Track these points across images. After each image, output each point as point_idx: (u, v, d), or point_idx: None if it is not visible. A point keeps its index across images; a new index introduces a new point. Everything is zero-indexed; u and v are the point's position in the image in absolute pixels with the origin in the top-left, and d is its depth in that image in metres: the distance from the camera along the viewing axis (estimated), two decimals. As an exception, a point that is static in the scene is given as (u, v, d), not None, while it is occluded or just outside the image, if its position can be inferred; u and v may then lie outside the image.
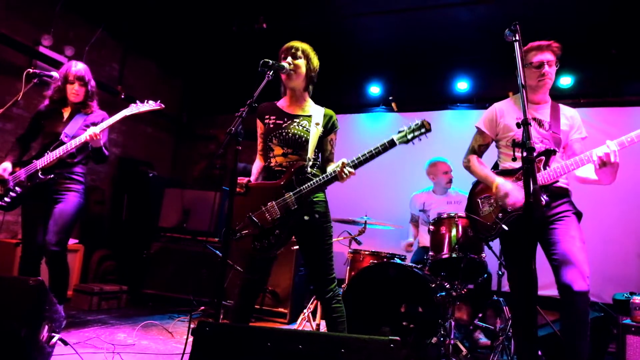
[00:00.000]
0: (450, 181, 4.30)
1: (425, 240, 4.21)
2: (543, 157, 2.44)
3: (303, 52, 2.49)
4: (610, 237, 4.51)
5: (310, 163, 2.46)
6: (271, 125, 2.51)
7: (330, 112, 2.59)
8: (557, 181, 2.43)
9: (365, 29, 5.20)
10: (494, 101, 2.86)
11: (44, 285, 2.30)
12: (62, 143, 3.04)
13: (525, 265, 2.33)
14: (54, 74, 3.15)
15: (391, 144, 2.32)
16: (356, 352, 1.52)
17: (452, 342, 3.12)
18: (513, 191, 2.44)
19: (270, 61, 2.31)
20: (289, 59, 2.45)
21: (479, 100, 5.46)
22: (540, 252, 2.52)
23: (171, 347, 3.21)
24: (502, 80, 5.24)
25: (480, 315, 3.74)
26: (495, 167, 2.78)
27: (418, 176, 4.72)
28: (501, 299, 3.63)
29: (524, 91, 1.85)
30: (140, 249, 5.11)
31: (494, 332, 3.56)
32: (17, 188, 3.01)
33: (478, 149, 2.79)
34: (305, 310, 3.82)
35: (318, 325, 3.74)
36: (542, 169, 2.42)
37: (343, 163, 2.28)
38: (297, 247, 4.04)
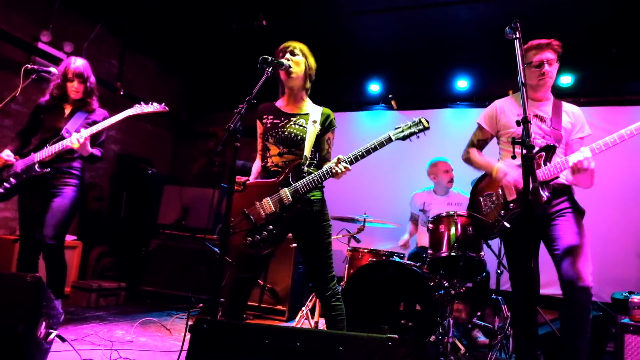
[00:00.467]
0: (451, 180, 4.29)
1: (423, 240, 4.21)
2: (543, 153, 2.44)
3: (300, 50, 2.49)
4: (609, 237, 4.51)
5: (307, 162, 2.45)
6: (268, 125, 2.51)
7: (328, 111, 2.58)
8: (558, 177, 2.43)
9: (365, 27, 5.19)
10: (493, 100, 2.86)
11: (42, 281, 2.29)
12: (62, 138, 3.03)
13: (525, 263, 2.34)
14: (53, 69, 3.15)
15: (388, 140, 2.33)
16: (354, 350, 1.52)
17: (450, 340, 3.12)
18: (512, 171, 2.44)
19: (270, 58, 2.30)
20: (287, 56, 2.45)
21: (478, 98, 5.45)
22: (541, 252, 2.53)
23: (169, 344, 3.21)
24: (502, 78, 5.23)
25: (478, 313, 3.74)
26: None
27: (417, 174, 4.72)
28: (500, 297, 3.63)
29: (524, 89, 1.85)
30: (139, 246, 5.11)
31: (493, 330, 3.56)
32: (11, 179, 3.00)
33: (477, 144, 2.80)
34: (303, 308, 3.82)
35: (316, 322, 3.73)
36: (542, 164, 2.42)
37: (339, 159, 2.29)
38: (295, 244, 4.03)
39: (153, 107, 3.23)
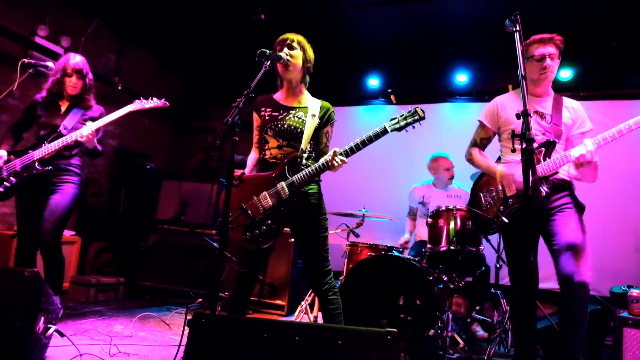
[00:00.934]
0: (451, 177, 4.28)
1: (423, 233, 4.21)
2: (543, 149, 2.43)
3: (298, 43, 2.48)
4: (608, 231, 4.51)
5: (305, 155, 2.44)
6: (267, 117, 2.50)
7: (327, 104, 2.57)
8: (557, 172, 2.42)
9: (364, 21, 5.16)
10: (493, 94, 2.85)
11: (40, 276, 2.28)
12: (61, 135, 3.01)
13: (524, 257, 2.34)
14: (50, 64, 3.12)
15: (383, 131, 2.31)
16: (353, 344, 1.52)
17: (449, 334, 3.12)
18: (515, 172, 2.44)
19: (268, 51, 2.29)
20: (285, 50, 2.44)
21: (478, 93, 5.44)
22: (540, 246, 2.52)
23: (168, 339, 3.21)
24: (502, 73, 5.22)
25: (477, 308, 3.75)
26: (498, 161, 2.78)
27: (417, 168, 4.71)
28: (499, 291, 3.63)
29: (524, 82, 1.84)
30: (138, 241, 5.10)
31: (492, 324, 3.57)
32: (11, 178, 2.98)
33: (480, 142, 2.79)
34: (302, 303, 3.82)
35: (315, 317, 3.74)
36: (542, 160, 2.41)
37: (335, 152, 2.28)
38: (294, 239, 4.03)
39: (153, 102, 3.24)
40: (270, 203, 2.36)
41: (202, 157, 6.60)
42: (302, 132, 2.43)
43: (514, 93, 2.73)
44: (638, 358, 2.76)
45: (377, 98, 5.94)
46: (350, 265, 3.62)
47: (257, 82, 2.19)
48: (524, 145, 1.66)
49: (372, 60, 5.92)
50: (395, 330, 1.52)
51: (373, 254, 3.55)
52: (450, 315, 3.22)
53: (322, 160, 2.32)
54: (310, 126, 2.45)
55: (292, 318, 3.90)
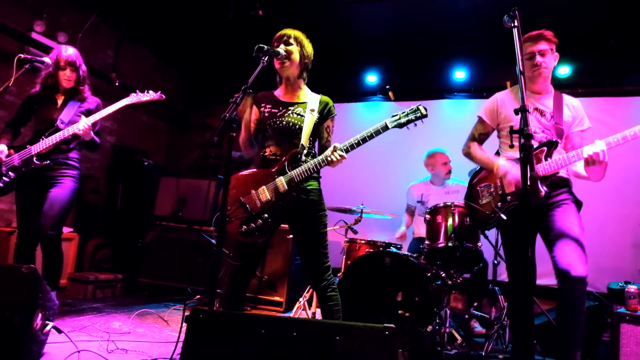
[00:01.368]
0: (449, 172, 4.28)
1: (421, 231, 4.21)
2: (545, 148, 2.43)
3: (295, 39, 2.46)
4: (606, 228, 4.52)
5: (305, 151, 2.43)
6: (266, 114, 2.49)
7: (326, 98, 2.56)
8: (558, 172, 2.42)
9: (362, 17, 5.15)
10: (491, 91, 2.84)
11: (37, 273, 2.28)
12: (58, 129, 3.01)
13: (522, 253, 2.34)
14: (46, 59, 3.11)
15: (384, 128, 2.31)
16: (351, 339, 1.52)
17: (447, 330, 3.13)
18: (513, 169, 2.44)
19: (266, 46, 2.28)
20: (282, 46, 2.43)
21: (476, 89, 5.44)
22: (538, 242, 2.53)
23: (166, 335, 3.20)
24: (500, 69, 5.21)
25: (475, 304, 3.76)
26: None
27: (415, 165, 4.70)
28: (497, 288, 3.64)
29: (522, 78, 1.83)
30: (136, 237, 5.09)
31: (489, 320, 3.57)
32: (10, 173, 2.97)
33: (478, 137, 2.78)
34: (301, 299, 3.83)
35: (314, 313, 3.74)
36: (543, 160, 2.41)
37: (335, 147, 2.27)
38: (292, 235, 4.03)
39: (150, 95, 3.22)
40: (268, 197, 2.35)
41: (199, 154, 6.59)
42: (301, 129, 2.42)
43: (514, 90, 2.72)
44: (635, 353, 2.77)
45: (376, 95, 5.93)
46: (349, 262, 3.62)
47: (254, 77, 2.19)
48: (522, 141, 1.65)
49: (370, 56, 5.91)
50: (393, 326, 1.52)
51: (371, 250, 3.55)
52: (448, 312, 3.23)
53: (321, 156, 2.32)
54: (309, 122, 2.44)
55: (290, 314, 3.90)
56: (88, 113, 3.10)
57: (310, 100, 2.51)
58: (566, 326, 2.29)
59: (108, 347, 2.72)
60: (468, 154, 2.78)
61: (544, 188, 2.34)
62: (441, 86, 5.63)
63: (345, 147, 2.29)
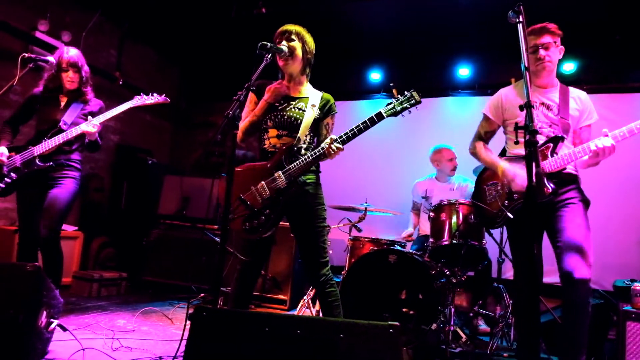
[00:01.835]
0: (454, 168, 4.26)
1: (426, 228, 4.20)
2: (551, 144, 2.41)
3: (297, 34, 2.46)
4: (611, 225, 4.49)
5: (304, 145, 2.44)
6: (267, 107, 2.49)
7: (328, 96, 2.57)
8: (565, 168, 2.40)
9: (365, 14, 5.13)
10: (495, 87, 2.82)
11: (42, 271, 2.28)
12: (61, 130, 3.01)
13: (528, 250, 2.33)
14: (50, 58, 3.11)
15: (379, 116, 2.32)
16: (355, 337, 1.51)
17: (451, 328, 3.12)
18: (519, 174, 2.42)
19: (269, 44, 2.28)
20: (284, 42, 2.43)
21: (480, 86, 5.40)
22: (545, 241, 2.51)
23: (171, 333, 3.21)
24: (504, 66, 5.18)
25: (480, 302, 3.74)
26: (503, 154, 2.75)
27: (419, 162, 4.69)
28: (501, 285, 3.62)
29: (527, 74, 1.81)
30: (140, 236, 5.10)
31: (494, 319, 3.56)
32: (12, 174, 2.98)
33: (484, 135, 2.77)
34: (305, 297, 3.82)
35: (318, 311, 3.74)
36: (549, 156, 2.39)
37: (332, 139, 2.28)
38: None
39: (154, 98, 3.23)
40: (269, 193, 2.36)
41: (201, 153, 6.59)
42: (301, 123, 2.43)
43: (518, 85, 2.70)
44: (641, 352, 2.75)
45: (379, 92, 5.90)
46: (353, 260, 3.61)
47: (257, 75, 2.19)
48: (527, 137, 1.63)
49: (373, 54, 5.89)
50: (397, 324, 1.51)
51: (375, 248, 3.54)
52: (453, 310, 3.22)
53: (318, 148, 2.32)
54: (309, 117, 2.45)
55: (295, 312, 3.90)
56: (91, 115, 3.10)
57: (312, 96, 2.53)
58: (571, 327, 2.28)
59: (112, 345, 2.73)
60: (474, 154, 2.78)
61: (551, 185, 2.32)
62: (445, 83, 5.60)
63: (341, 139, 2.30)
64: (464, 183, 4.21)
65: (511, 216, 2.48)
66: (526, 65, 1.84)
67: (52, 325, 2.37)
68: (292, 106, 2.47)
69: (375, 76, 5.88)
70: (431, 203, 4.16)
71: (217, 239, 4.48)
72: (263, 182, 2.37)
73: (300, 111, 2.46)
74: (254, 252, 2.47)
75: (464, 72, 5.46)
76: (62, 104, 3.14)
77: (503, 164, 2.52)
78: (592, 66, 4.97)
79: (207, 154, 6.30)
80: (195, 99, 6.99)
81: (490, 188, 2.66)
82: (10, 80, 3.05)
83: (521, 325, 2.64)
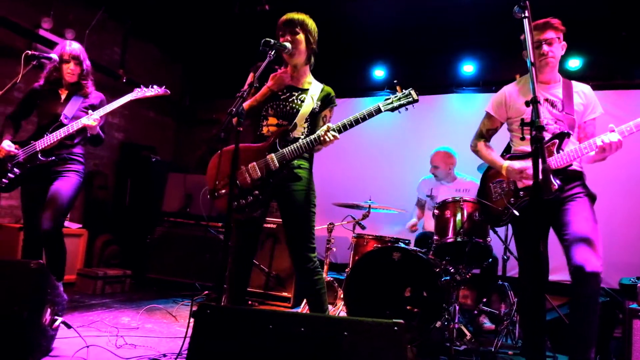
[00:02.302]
0: (450, 168, 4.23)
1: (430, 225, 4.18)
2: (557, 140, 2.39)
3: (301, 25, 2.47)
4: (616, 223, 4.47)
5: (300, 133, 2.46)
6: (269, 94, 2.50)
7: (328, 88, 2.59)
8: (571, 165, 2.38)
9: (369, 10, 5.10)
10: (500, 84, 2.80)
11: (46, 268, 2.29)
12: (62, 125, 3.00)
13: (534, 247, 2.31)
14: (53, 55, 3.10)
15: (377, 110, 2.33)
16: (359, 335, 1.50)
17: (456, 326, 3.10)
18: (519, 172, 2.40)
19: (272, 40, 2.28)
20: (288, 37, 2.42)
21: (485, 83, 5.38)
22: (550, 239, 2.49)
23: (175, 331, 3.21)
24: (509, 62, 5.13)
25: (484, 299, 3.72)
26: (508, 151, 2.73)
27: (423, 160, 4.66)
28: (506, 283, 3.60)
29: (533, 69, 1.80)
30: (144, 233, 5.11)
31: (499, 316, 3.54)
32: (15, 169, 2.98)
33: (486, 133, 2.75)
34: (308, 295, 3.81)
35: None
36: (555, 152, 2.37)
37: (328, 127, 2.29)
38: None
39: (154, 90, 3.22)
40: (259, 174, 2.38)
41: (205, 150, 6.59)
42: (299, 112, 2.46)
43: (521, 82, 2.67)
44: (648, 350, 2.73)
45: (383, 89, 5.88)
46: (357, 257, 3.60)
47: (261, 71, 2.18)
48: (533, 133, 1.61)
49: (377, 50, 5.87)
50: (402, 321, 1.50)
51: (379, 245, 3.53)
52: (457, 307, 3.20)
53: (314, 135, 2.33)
54: (307, 105, 2.47)
55: (299, 310, 3.89)
56: (92, 108, 3.09)
57: (313, 87, 2.54)
58: (580, 323, 2.26)
59: (117, 342, 2.73)
60: (476, 152, 2.77)
61: (557, 181, 2.30)
62: (449, 80, 5.58)
63: (338, 127, 2.31)
64: (470, 183, 4.18)
65: (517, 214, 2.46)
66: (532, 59, 1.82)
67: (57, 323, 2.38)
68: (294, 97, 2.49)
69: (379, 73, 5.87)
70: (436, 202, 4.14)
71: (220, 236, 4.47)
72: (254, 163, 2.39)
73: (302, 103, 2.48)
74: (242, 234, 2.47)
75: (468, 68, 5.43)
76: (63, 97, 3.13)
77: (505, 163, 2.51)
78: (598, 62, 4.93)
79: (211, 151, 6.30)
80: (198, 96, 6.99)
81: (495, 186, 2.64)
82: (13, 78, 3.05)
83: (526, 324, 2.62)
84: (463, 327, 3.27)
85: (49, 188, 2.96)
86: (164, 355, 2.58)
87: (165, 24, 5.84)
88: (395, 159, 5.46)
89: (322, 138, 2.28)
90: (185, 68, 7.01)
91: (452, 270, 3.27)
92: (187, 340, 1.71)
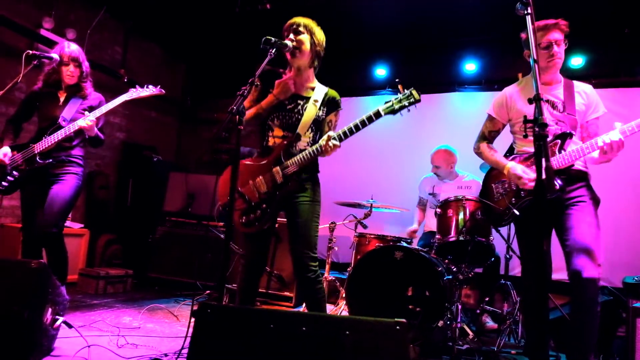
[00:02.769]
0: (451, 166, 4.22)
1: (432, 224, 4.17)
2: (558, 141, 2.37)
3: (305, 27, 2.44)
4: (620, 222, 4.44)
5: (306, 143, 2.45)
6: (276, 103, 2.48)
7: (333, 92, 2.56)
8: (573, 165, 2.36)
9: (371, 9, 5.08)
10: (502, 83, 2.79)
11: (47, 267, 2.28)
12: (60, 127, 2.99)
13: (537, 247, 2.30)
14: (54, 55, 3.10)
15: (376, 114, 2.30)
16: (361, 334, 1.49)
17: (459, 325, 3.09)
18: (525, 171, 2.39)
19: (273, 38, 2.25)
20: (292, 36, 2.40)
21: (487, 82, 5.36)
22: (553, 238, 2.48)
23: (176, 330, 3.21)
24: (511, 61, 5.12)
25: (487, 298, 3.71)
26: (511, 152, 2.72)
27: (425, 158, 4.65)
28: (509, 282, 3.59)
29: (536, 66, 1.78)
30: (146, 233, 5.11)
31: (501, 315, 3.53)
32: (14, 172, 2.97)
33: (488, 135, 2.74)
34: (310, 294, 3.80)
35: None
36: (557, 152, 2.35)
37: (328, 136, 2.28)
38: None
39: (149, 90, 3.19)
40: (266, 188, 2.39)
41: (205, 150, 6.59)
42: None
43: (522, 82, 2.66)
44: (651, 349, 2.71)
45: (385, 88, 5.87)
46: (359, 256, 3.59)
47: (262, 70, 2.17)
48: (536, 131, 1.60)
49: (379, 49, 5.85)
50: (404, 320, 1.49)
51: (381, 244, 3.52)
52: (460, 306, 3.19)
53: (315, 145, 2.33)
54: (310, 113, 2.45)
55: (300, 309, 3.89)
56: (91, 110, 3.08)
57: (317, 92, 2.51)
58: (579, 326, 2.26)
59: (118, 341, 2.72)
60: (479, 154, 2.77)
61: (559, 181, 2.29)
62: (452, 79, 5.56)
63: (338, 136, 2.30)
64: (473, 182, 4.16)
65: (518, 213, 2.45)
66: (535, 57, 1.80)
67: (58, 322, 2.37)
68: (299, 107, 2.48)
69: (380, 72, 5.85)
70: (439, 200, 4.12)
71: (222, 236, 4.47)
72: (261, 177, 2.40)
73: (304, 111, 2.47)
74: (254, 246, 2.48)
75: (470, 67, 5.41)
76: (61, 99, 3.12)
77: (508, 164, 2.50)
78: (601, 60, 4.91)
79: (213, 151, 6.30)
80: (200, 96, 6.98)
81: (497, 186, 2.63)
82: (15, 77, 3.04)
83: (529, 323, 2.61)
84: (465, 327, 3.25)
85: (48, 191, 2.96)
86: (166, 355, 2.57)
87: (166, 23, 5.84)
88: (397, 158, 5.44)
89: (323, 148, 2.28)
90: (187, 67, 7.01)
91: (454, 269, 3.26)
92: (188, 339, 1.70)
